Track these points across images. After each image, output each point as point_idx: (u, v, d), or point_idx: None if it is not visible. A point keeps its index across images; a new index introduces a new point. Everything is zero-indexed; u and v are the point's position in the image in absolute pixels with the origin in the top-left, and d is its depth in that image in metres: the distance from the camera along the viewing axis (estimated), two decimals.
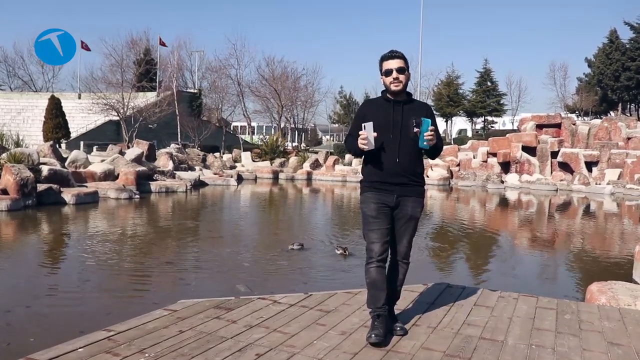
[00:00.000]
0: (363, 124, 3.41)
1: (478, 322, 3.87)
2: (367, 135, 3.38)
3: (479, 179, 24.14)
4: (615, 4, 76.54)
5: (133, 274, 6.67)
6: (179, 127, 36.59)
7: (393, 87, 3.53)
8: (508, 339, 3.54)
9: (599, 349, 3.42)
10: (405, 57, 3.59)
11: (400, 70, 3.52)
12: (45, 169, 13.79)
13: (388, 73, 3.53)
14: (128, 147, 22.37)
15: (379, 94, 3.69)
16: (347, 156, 28.10)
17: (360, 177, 3.83)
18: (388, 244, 3.55)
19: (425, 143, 3.45)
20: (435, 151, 3.59)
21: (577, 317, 4.08)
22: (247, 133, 54.78)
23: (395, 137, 3.49)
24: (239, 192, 19.19)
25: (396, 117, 3.51)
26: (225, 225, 12.00)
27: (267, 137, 33.13)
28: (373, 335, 3.35)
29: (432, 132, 3.43)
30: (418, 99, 3.79)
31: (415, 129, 3.43)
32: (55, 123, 32.04)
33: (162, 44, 45.45)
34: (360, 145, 3.42)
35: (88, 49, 47.90)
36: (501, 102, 54.40)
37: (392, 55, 3.57)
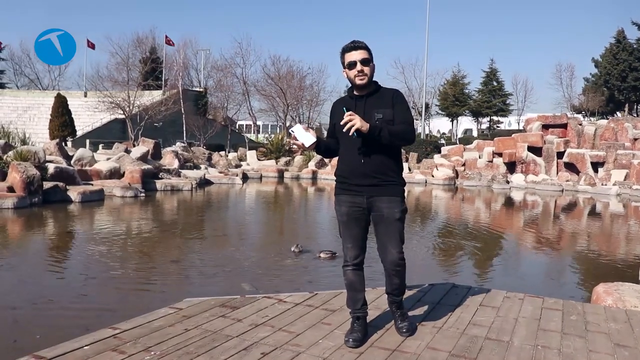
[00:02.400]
0: (291, 129, 3.32)
1: (484, 322, 3.86)
2: (297, 137, 3.27)
3: (484, 179, 24.07)
4: (623, 4, 76.24)
5: (139, 272, 6.69)
6: (184, 126, 36.69)
7: (358, 81, 3.31)
8: (514, 340, 3.53)
9: (605, 351, 3.40)
10: (369, 47, 3.35)
11: (365, 62, 3.29)
12: (51, 167, 13.85)
13: (351, 66, 3.30)
14: (134, 146, 22.45)
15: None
16: None
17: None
18: (362, 247, 3.44)
19: (349, 131, 3.14)
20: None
21: (583, 318, 4.06)
22: (252, 132, 54.85)
23: (359, 136, 3.23)
24: (244, 190, 19.21)
25: (358, 113, 3.24)
26: (230, 223, 12.01)
27: (273, 136, 33.11)
28: (350, 340, 3.31)
29: (348, 117, 3.15)
30: (386, 87, 3.50)
31: (377, 122, 3.24)
32: (62, 121, 32.18)
33: (169, 42, 45.55)
34: (293, 146, 3.36)
35: (93, 47, 48.08)
36: (507, 102, 54.28)
37: (355, 46, 3.32)
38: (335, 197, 3.50)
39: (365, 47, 3.33)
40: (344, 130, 3.18)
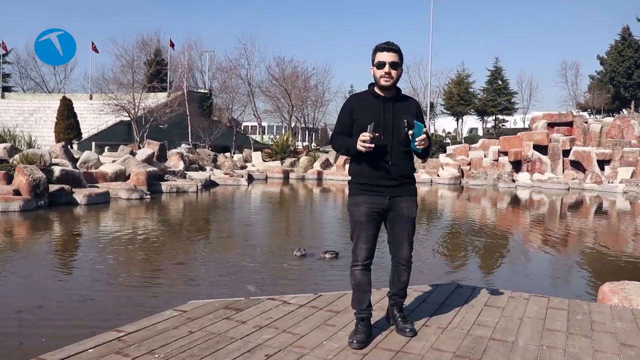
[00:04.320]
0: (368, 125, 3.22)
1: (488, 322, 3.84)
2: (370, 138, 3.20)
3: (490, 178, 24.02)
4: (628, 0, 75.90)
5: (143, 275, 6.70)
6: (189, 128, 36.74)
7: (383, 82, 3.35)
8: (519, 340, 3.51)
9: (611, 350, 3.38)
10: (401, 51, 3.38)
11: (394, 65, 3.33)
12: (57, 170, 13.90)
13: (380, 66, 3.34)
14: (139, 148, 22.50)
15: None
16: None
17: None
18: (374, 249, 3.46)
19: (417, 146, 3.33)
20: (425, 153, 3.46)
21: (588, 317, 4.04)
22: (257, 133, 54.88)
23: (387, 138, 3.34)
24: (249, 192, 19.23)
25: (387, 116, 3.35)
26: (235, 225, 12.02)
27: (278, 136, 33.13)
28: (354, 341, 3.31)
29: (424, 137, 3.30)
30: (407, 94, 3.61)
31: (409, 132, 3.32)
32: (67, 124, 32.29)
33: (171, 45, 45.66)
34: (359, 147, 3.22)
35: (96, 51, 48.25)
36: (512, 100, 54.20)
37: (388, 47, 3.35)
38: (351, 197, 3.49)
39: (397, 51, 3.37)
40: (417, 145, 3.31)
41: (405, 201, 3.46)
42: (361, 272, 3.44)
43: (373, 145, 3.22)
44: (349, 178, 3.59)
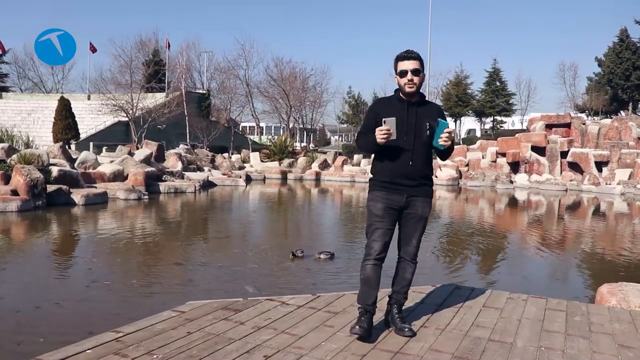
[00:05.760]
0: (384, 119, 3.37)
1: (487, 323, 3.85)
2: (390, 128, 3.34)
3: (488, 179, 24.03)
4: (626, 2, 76.02)
5: (141, 275, 6.70)
6: (187, 128, 36.71)
7: (407, 89, 3.51)
8: (517, 341, 3.52)
9: (609, 352, 3.39)
10: (421, 57, 3.56)
11: (415, 72, 3.49)
12: (55, 170, 13.87)
13: (403, 74, 3.51)
14: (137, 148, 22.46)
15: (387, 94, 3.68)
16: (356, 157, 28.08)
17: (368, 176, 3.83)
18: (388, 245, 3.54)
19: (440, 142, 3.46)
20: (447, 152, 3.60)
21: (587, 319, 4.04)
22: (255, 133, 54.88)
23: (409, 139, 3.49)
24: (247, 192, 19.22)
25: (410, 119, 3.51)
26: (233, 226, 12.02)
27: (276, 137, 33.14)
28: (358, 326, 3.40)
29: (448, 134, 3.46)
30: (431, 100, 3.81)
31: (428, 130, 3.46)
32: (65, 124, 32.20)
33: (167, 46, 45.67)
34: (379, 139, 3.36)
35: (94, 50, 48.16)
36: (510, 101, 54.21)
37: (408, 56, 3.54)
38: (370, 193, 3.63)
39: (417, 58, 3.54)
40: (440, 142, 3.46)
41: (421, 201, 3.60)
42: (372, 267, 3.50)
43: (391, 131, 3.35)
44: (362, 179, 3.67)
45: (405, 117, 3.50)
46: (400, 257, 3.71)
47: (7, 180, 12.50)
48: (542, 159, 24.75)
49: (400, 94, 3.59)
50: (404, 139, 3.47)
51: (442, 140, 3.46)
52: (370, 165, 3.70)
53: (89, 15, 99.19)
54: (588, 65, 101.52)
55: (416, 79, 3.50)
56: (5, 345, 4.21)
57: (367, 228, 3.59)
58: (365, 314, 3.49)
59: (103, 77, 38.47)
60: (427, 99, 3.75)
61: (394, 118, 3.38)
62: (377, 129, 3.38)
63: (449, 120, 56.78)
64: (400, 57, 3.55)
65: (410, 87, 3.50)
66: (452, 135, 3.59)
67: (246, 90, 43.32)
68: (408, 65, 3.50)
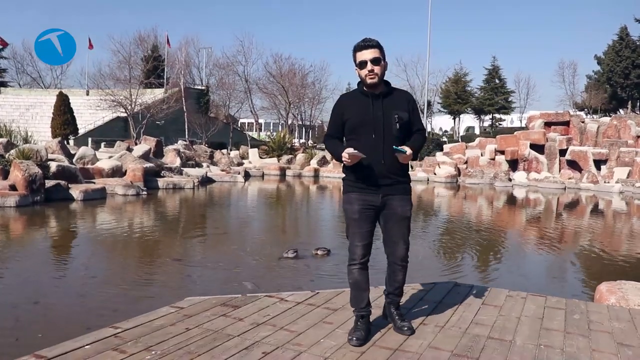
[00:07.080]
0: (348, 152, 3.25)
1: (486, 321, 3.84)
2: (355, 156, 3.24)
3: (486, 177, 24.03)
4: (625, 0, 75.97)
5: (140, 271, 6.68)
6: (186, 124, 36.66)
7: (369, 80, 3.32)
8: (516, 339, 3.51)
9: (608, 350, 3.38)
10: (381, 45, 3.34)
11: (375, 61, 3.29)
12: (53, 165, 13.84)
13: (362, 65, 3.31)
14: (136, 144, 22.44)
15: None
16: None
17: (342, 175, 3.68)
18: (370, 246, 3.44)
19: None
20: (415, 153, 3.41)
21: (586, 317, 4.04)
22: (254, 130, 54.89)
23: (378, 136, 3.31)
24: (246, 188, 19.21)
25: (376, 113, 3.32)
26: (232, 222, 12.01)
27: (275, 133, 33.12)
28: (354, 338, 3.30)
29: (405, 157, 3.32)
30: (397, 88, 3.56)
31: (397, 123, 3.33)
32: (64, 119, 32.19)
33: (168, 43, 45.59)
34: (344, 161, 3.28)
35: (91, 47, 48.12)
36: (509, 99, 54.29)
37: (366, 45, 3.31)
38: (345, 195, 3.48)
39: (376, 46, 3.32)
40: (400, 159, 3.33)
41: (398, 200, 3.43)
42: (359, 270, 3.42)
43: (350, 161, 3.27)
44: (343, 176, 3.57)
45: (372, 111, 3.33)
46: (389, 261, 3.55)
47: (5, 175, 12.48)
48: (541, 157, 24.75)
49: (364, 87, 3.41)
50: (372, 136, 3.30)
51: (401, 159, 3.34)
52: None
53: (87, 10, 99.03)
54: (587, 64, 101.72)
55: (377, 69, 3.29)
56: (3, 341, 4.19)
57: (347, 230, 3.48)
58: (361, 319, 3.43)
59: (102, 73, 38.42)
60: (393, 86, 3.53)
61: (365, 156, 3.25)
62: (346, 152, 3.24)
63: (448, 117, 56.97)
64: (358, 47, 3.33)
65: (371, 78, 3.31)
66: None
67: (245, 86, 43.36)
68: (367, 54, 3.29)
